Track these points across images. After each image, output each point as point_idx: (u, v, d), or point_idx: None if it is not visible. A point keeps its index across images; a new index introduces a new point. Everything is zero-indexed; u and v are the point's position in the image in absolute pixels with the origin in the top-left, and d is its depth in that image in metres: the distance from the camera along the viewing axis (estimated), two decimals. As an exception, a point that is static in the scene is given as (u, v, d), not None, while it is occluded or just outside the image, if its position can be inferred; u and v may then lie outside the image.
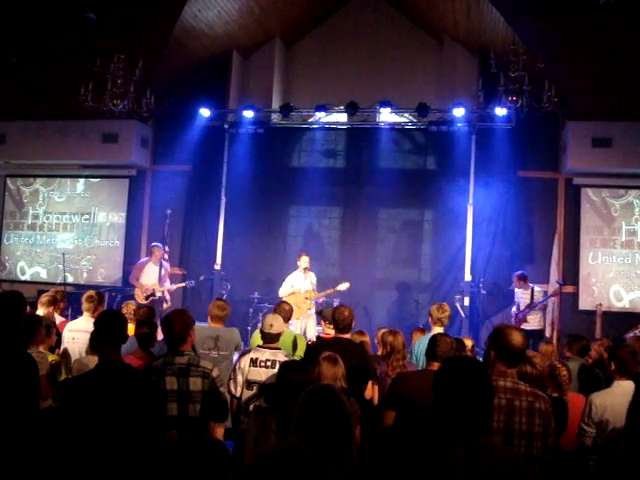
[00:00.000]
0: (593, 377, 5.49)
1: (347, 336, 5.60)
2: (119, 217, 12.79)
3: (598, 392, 4.50)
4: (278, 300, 10.19)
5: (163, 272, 10.29)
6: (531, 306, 9.73)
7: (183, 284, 10.93)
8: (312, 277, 10.05)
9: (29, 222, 13.28)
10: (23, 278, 13.12)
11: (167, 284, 10.43)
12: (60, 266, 12.18)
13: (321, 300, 10.10)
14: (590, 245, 11.02)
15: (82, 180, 13.07)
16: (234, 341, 6.02)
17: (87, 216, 12.93)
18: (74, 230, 13.00)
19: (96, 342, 3.76)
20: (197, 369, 4.12)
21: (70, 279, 12.50)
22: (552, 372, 4.83)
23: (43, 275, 13.06)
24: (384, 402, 4.40)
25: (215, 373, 4.19)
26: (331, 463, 2.68)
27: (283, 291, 9.91)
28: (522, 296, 9.87)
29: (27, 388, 3.60)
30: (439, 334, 4.64)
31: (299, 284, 9.91)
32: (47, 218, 13.14)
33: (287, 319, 6.22)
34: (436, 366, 4.36)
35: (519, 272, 10.12)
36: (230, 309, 6.21)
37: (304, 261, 9.96)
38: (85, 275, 12.81)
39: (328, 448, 2.68)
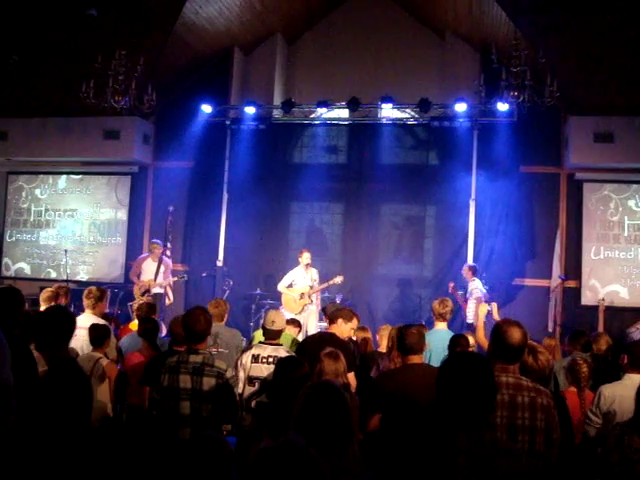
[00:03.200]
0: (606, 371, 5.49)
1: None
2: (121, 214, 12.79)
3: (609, 384, 4.57)
4: (279, 296, 10.28)
5: (163, 269, 10.27)
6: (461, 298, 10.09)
7: (175, 278, 10.74)
8: (313, 273, 10.07)
9: (25, 219, 13.32)
10: (7, 274, 13.18)
11: (165, 280, 10.40)
12: (61, 262, 12.28)
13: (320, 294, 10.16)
14: (592, 240, 11.00)
15: (83, 177, 13.07)
16: (235, 341, 6.02)
17: (90, 212, 12.93)
18: (75, 227, 13.01)
19: (41, 339, 3.73)
20: (212, 369, 4.11)
21: (53, 275, 12.66)
22: (572, 367, 4.87)
23: (27, 271, 13.14)
24: (368, 406, 4.27)
25: (229, 374, 4.19)
26: (334, 457, 2.69)
27: (282, 286, 10.04)
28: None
29: (27, 382, 3.60)
30: (402, 327, 4.57)
31: (300, 280, 9.97)
32: (49, 215, 13.15)
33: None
34: (413, 359, 4.31)
35: (469, 264, 10.35)
36: (226, 307, 6.21)
37: (305, 257, 9.99)
38: (86, 272, 12.82)
39: (330, 443, 2.69)
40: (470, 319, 9.61)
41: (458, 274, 11.16)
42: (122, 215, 12.77)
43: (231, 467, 2.25)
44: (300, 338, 7.29)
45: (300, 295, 9.87)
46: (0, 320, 3.71)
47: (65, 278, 11.53)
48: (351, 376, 5.15)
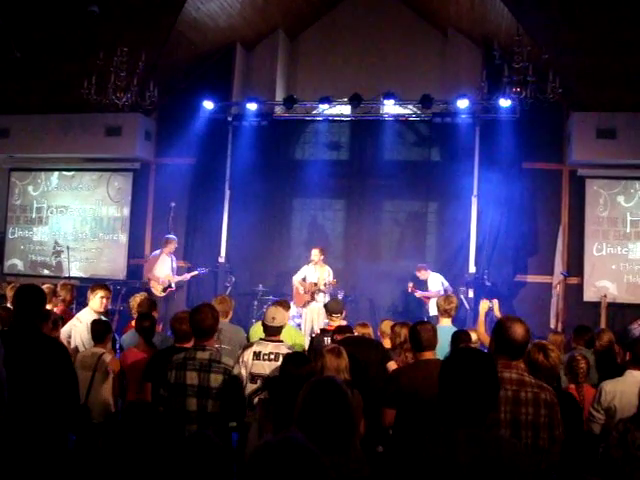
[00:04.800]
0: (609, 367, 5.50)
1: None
2: (123, 210, 12.79)
3: (610, 380, 4.61)
4: (282, 292, 10.38)
5: (175, 265, 10.43)
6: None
7: (196, 272, 10.94)
8: (324, 271, 10.09)
9: (18, 215, 13.39)
10: (7, 271, 13.22)
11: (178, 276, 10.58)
12: (56, 259, 12.49)
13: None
14: (595, 236, 10.98)
15: (86, 173, 13.06)
16: (238, 338, 6.01)
17: (93, 209, 12.92)
18: (71, 223, 13.01)
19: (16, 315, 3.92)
20: (219, 365, 4.11)
21: (51, 272, 12.73)
22: (570, 363, 4.89)
23: (20, 267, 13.19)
24: (383, 400, 4.30)
25: (236, 370, 4.18)
26: (335, 454, 2.68)
27: (295, 278, 10.28)
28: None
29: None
30: (416, 323, 4.58)
31: (310, 276, 10.18)
32: (50, 212, 13.15)
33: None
34: (426, 355, 4.33)
35: (418, 265, 10.56)
36: (231, 304, 6.21)
37: (313, 254, 10.12)
38: (80, 268, 12.80)
39: (332, 439, 2.68)
40: (432, 312, 9.58)
41: (460, 271, 11.20)
42: (124, 212, 12.75)
43: (231, 463, 2.24)
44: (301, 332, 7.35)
45: (304, 289, 9.97)
46: (25, 316, 3.80)
47: (68, 275, 11.55)
48: (392, 363, 5.40)
